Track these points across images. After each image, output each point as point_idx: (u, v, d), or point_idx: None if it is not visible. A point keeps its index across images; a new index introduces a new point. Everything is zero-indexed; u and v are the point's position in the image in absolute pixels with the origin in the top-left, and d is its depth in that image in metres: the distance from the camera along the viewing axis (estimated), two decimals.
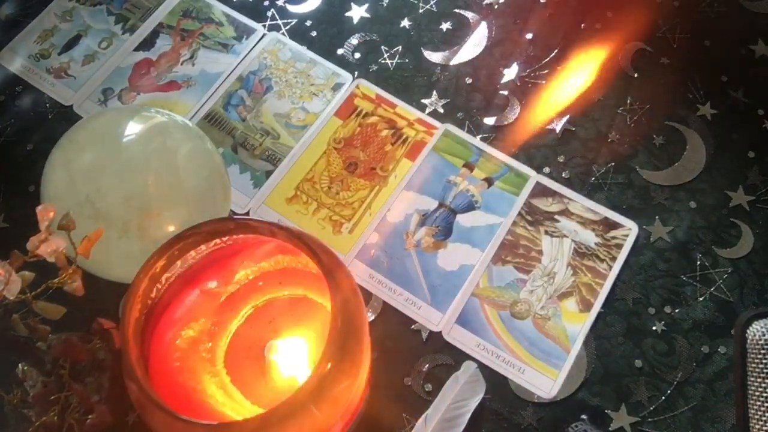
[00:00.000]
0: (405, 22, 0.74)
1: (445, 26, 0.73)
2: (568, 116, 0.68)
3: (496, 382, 0.58)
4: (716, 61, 0.70)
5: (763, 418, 0.47)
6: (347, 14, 0.75)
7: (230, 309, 0.53)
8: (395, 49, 0.72)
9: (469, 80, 0.70)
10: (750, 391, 0.49)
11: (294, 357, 0.51)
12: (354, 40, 0.73)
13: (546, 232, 0.63)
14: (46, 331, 0.50)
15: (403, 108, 0.69)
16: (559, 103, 0.69)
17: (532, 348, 0.59)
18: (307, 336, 0.52)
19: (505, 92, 0.69)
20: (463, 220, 0.64)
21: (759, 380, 0.48)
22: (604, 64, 0.70)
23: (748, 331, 0.50)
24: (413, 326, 0.60)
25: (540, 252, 0.62)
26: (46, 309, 0.48)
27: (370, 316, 0.61)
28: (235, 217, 0.64)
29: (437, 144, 0.67)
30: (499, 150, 0.67)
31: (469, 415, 0.54)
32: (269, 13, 0.75)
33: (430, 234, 0.64)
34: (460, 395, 0.55)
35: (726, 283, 0.61)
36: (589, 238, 0.63)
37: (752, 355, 0.49)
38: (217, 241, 0.49)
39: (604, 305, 0.60)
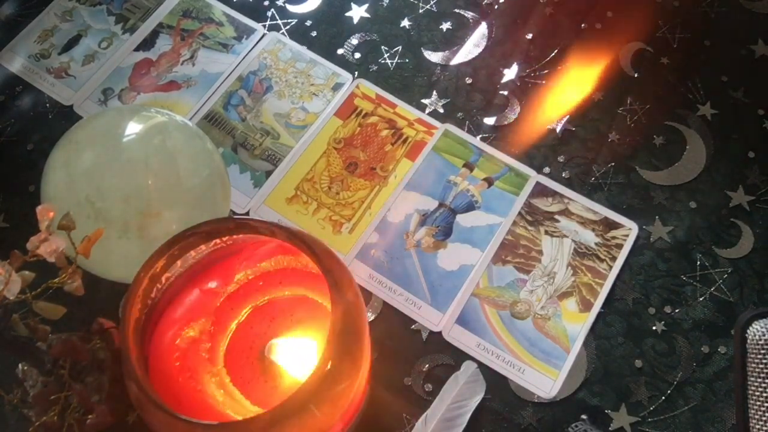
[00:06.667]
0: (405, 22, 0.74)
1: (445, 26, 0.73)
2: (568, 116, 0.68)
3: (496, 382, 0.58)
4: (716, 61, 0.70)
5: (763, 418, 0.47)
6: (347, 14, 0.75)
7: (230, 309, 0.53)
8: (395, 49, 0.72)
9: (469, 80, 0.70)
10: (750, 391, 0.49)
11: (294, 357, 0.51)
12: (354, 40, 0.73)
13: (546, 232, 0.63)
14: (46, 331, 0.49)
15: (403, 108, 0.69)
16: (559, 103, 0.69)
17: (532, 348, 0.59)
18: (307, 336, 0.52)
19: (505, 92, 0.69)
20: (463, 220, 0.64)
21: (759, 380, 0.48)
22: (604, 64, 0.70)
23: (748, 331, 0.50)
24: (413, 326, 0.60)
25: (540, 252, 0.62)
26: (46, 309, 0.48)
27: (370, 316, 0.61)
28: (235, 217, 0.64)
29: (437, 144, 0.67)
30: (499, 150, 0.67)
31: (469, 415, 0.54)
32: (269, 13, 0.75)
33: (430, 234, 0.64)
34: (460, 395, 0.55)
35: (726, 283, 0.61)
36: (589, 238, 0.63)
37: (752, 355, 0.49)
38: (217, 241, 0.49)
39: (604, 305, 0.60)
